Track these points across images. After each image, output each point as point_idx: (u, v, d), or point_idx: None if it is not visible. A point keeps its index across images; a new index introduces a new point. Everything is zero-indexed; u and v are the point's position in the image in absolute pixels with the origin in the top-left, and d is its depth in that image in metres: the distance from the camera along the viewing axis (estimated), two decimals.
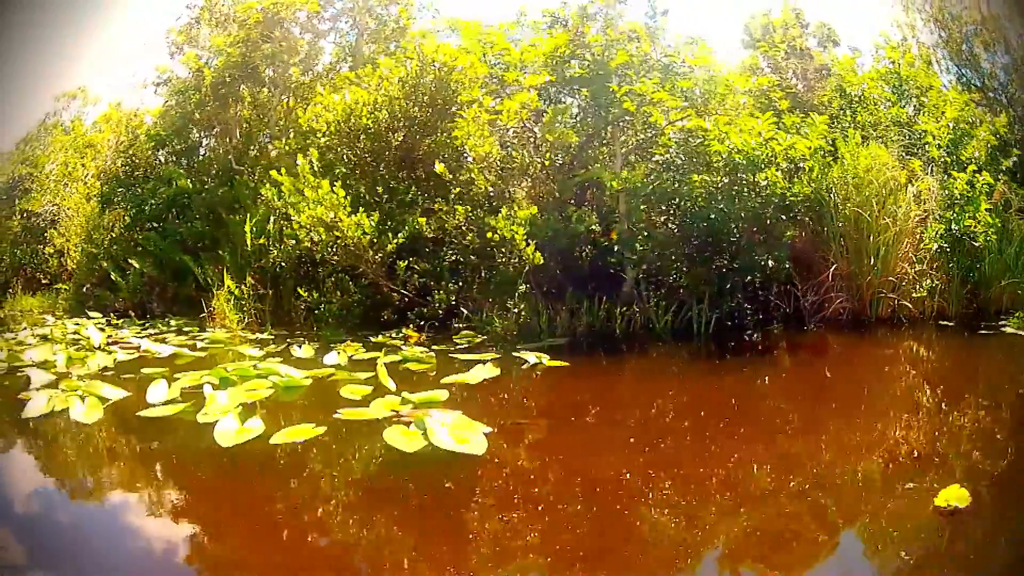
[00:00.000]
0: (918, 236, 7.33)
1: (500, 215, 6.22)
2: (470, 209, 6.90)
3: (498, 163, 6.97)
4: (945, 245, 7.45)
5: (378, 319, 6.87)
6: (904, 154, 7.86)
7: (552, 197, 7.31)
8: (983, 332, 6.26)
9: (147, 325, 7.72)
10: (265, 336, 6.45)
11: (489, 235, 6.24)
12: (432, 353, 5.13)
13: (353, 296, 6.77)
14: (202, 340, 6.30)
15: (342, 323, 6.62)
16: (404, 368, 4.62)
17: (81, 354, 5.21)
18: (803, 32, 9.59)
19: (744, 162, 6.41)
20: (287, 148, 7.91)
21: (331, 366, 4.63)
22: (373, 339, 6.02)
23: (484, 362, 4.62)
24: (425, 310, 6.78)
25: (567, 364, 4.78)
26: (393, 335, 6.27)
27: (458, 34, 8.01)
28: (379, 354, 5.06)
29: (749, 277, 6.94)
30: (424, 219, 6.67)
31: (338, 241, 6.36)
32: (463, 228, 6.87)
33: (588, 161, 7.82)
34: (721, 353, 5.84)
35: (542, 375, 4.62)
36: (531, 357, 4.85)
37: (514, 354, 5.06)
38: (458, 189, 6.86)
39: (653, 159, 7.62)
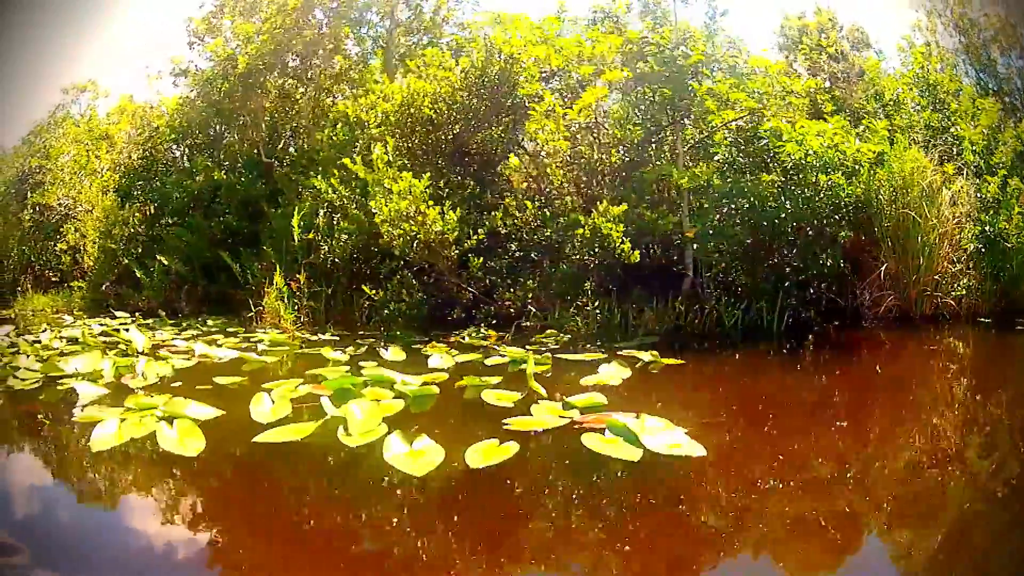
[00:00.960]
0: (955, 237, 7.18)
1: (596, 211, 5.72)
2: (539, 205, 6.29)
3: (567, 158, 6.36)
4: (980, 246, 7.35)
5: (443, 318, 6.16)
6: (940, 158, 7.60)
7: (619, 193, 6.76)
8: (1020, 328, 6.17)
9: (183, 325, 6.82)
10: (327, 336, 5.66)
11: (580, 232, 5.76)
12: (547, 354, 4.52)
13: (417, 294, 6.02)
14: (260, 342, 5.47)
15: (410, 323, 5.87)
16: (517, 370, 4.00)
17: (127, 361, 4.34)
18: (837, 35, 9.17)
19: (817, 164, 6.22)
20: (337, 139, 7.10)
21: (438, 369, 3.96)
22: (449, 339, 5.36)
23: (601, 362, 4.09)
24: (493, 308, 6.11)
25: (683, 362, 4.39)
26: (472, 334, 5.58)
27: (502, 28, 7.30)
28: (476, 355, 4.53)
29: (804, 276, 6.57)
30: (499, 214, 5.99)
31: (419, 236, 5.61)
32: (533, 224, 6.25)
33: (647, 159, 7.26)
34: (816, 349, 5.47)
35: (673, 373, 4.17)
36: (645, 356, 4.32)
37: (619, 353, 4.54)
38: (524, 184, 6.24)
39: (714, 158, 7.15)
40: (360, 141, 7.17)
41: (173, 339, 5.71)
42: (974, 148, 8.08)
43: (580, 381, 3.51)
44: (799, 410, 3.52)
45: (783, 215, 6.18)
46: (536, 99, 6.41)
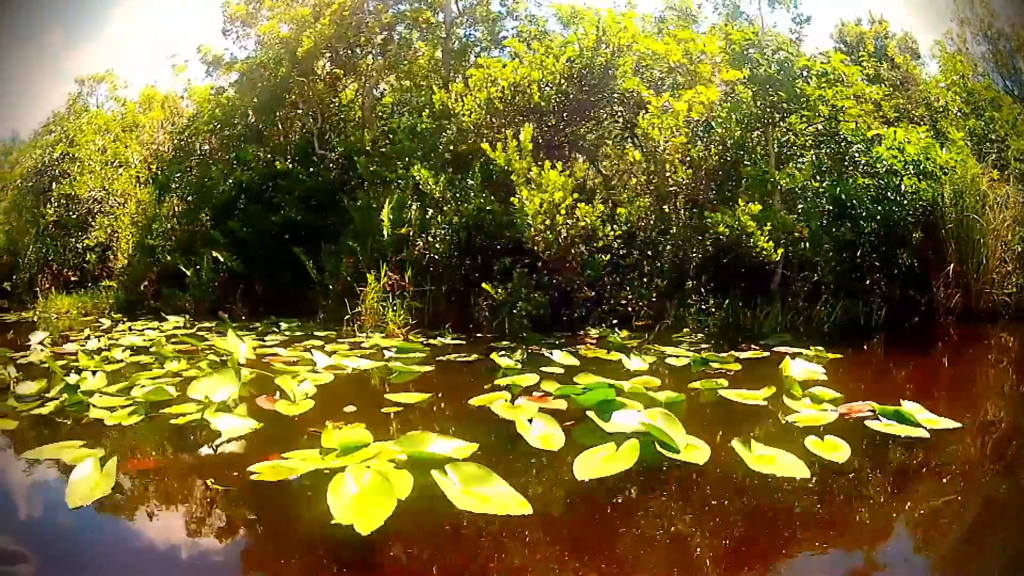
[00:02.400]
0: (1006, 239, 7.03)
1: (737, 209, 5.18)
2: (655, 201, 5.46)
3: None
4: None
5: (556, 318, 5.21)
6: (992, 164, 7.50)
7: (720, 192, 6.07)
8: None
9: (259, 330, 5.61)
10: (448, 340, 4.64)
11: (721, 229, 5.24)
12: (730, 354, 3.95)
13: (541, 293, 5.06)
14: (378, 348, 4.37)
15: (533, 323, 4.91)
16: (700, 370, 3.51)
17: (249, 377, 3.18)
18: (887, 42, 8.69)
19: (911, 171, 6.15)
20: (424, 127, 6.04)
21: (639, 372, 3.30)
22: (587, 340, 4.56)
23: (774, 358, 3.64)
24: (606, 307, 5.23)
25: (840, 356, 3.93)
26: (607, 335, 4.78)
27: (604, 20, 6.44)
28: (688, 354, 3.87)
29: (886, 274, 6.39)
30: (626, 210, 5.09)
31: (566, 231, 4.68)
32: (650, 221, 5.41)
33: (740, 158, 6.57)
34: (938, 342, 5.25)
35: (847, 365, 3.82)
36: (802, 350, 3.95)
37: (775, 349, 4.12)
38: (644, 178, 5.41)
39: (801, 160, 6.64)
40: (448, 131, 6.13)
41: (276, 348, 4.53)
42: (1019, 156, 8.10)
43: (786, 375, 2.96)
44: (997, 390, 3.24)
45: (878, 217, 6.04)
46: (635, 93, 5.67)
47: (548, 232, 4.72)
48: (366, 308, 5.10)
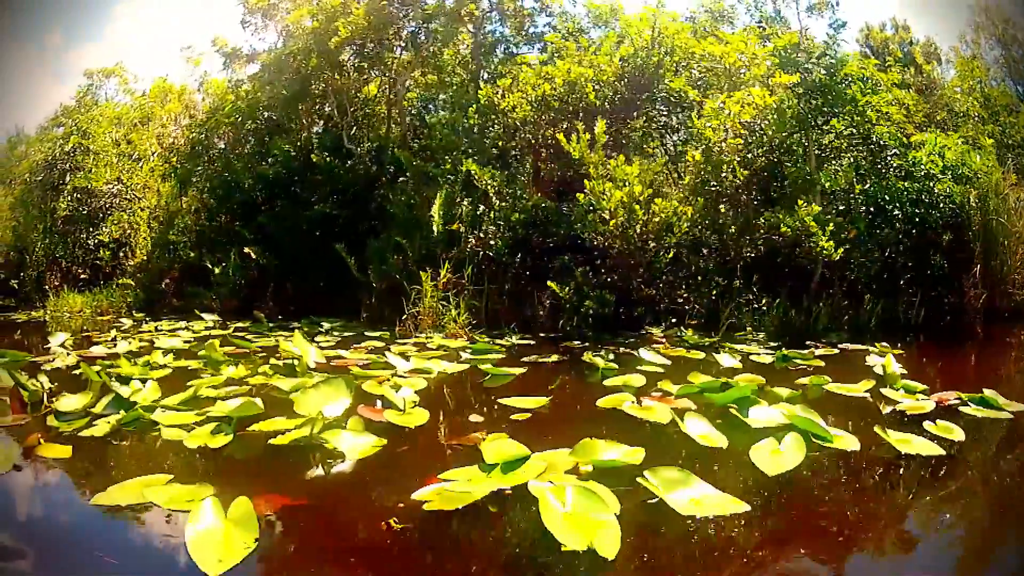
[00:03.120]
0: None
1: (800, 210, 4.92)
2: (708, 201, 5.11)
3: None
4: None
5: (615, 317, 4.77)
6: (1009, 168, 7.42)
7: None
8: None
9: (304, 329, 5.04)
10: (517, 340, 4.18)
11: (783, 229, 4.98)
12: (810, 351, 3.82)
13: (608, 292, 4.61)
14: (463, 351, 3.88)
15: (598, 322, 4.47)
16: (783, 366, 3.36)
17: (339, 387, 2.45)
18: (912, 47, 8.46)
19: (949, 175, 6.04)
20: (471, 122, 5.54)
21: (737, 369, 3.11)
22: (656, 339, 4.28)
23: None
24: (662, 306, 4.84)
25: (901, 352, 3.78)
26: (675, 334, 4.52)
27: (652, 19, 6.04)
28: (764, 351, 3.70)
29: (919, 275, 6.25)
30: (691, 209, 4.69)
31: (639, 228, 4.26)
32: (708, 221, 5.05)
33: (782, 160, 6.27)
34: (978, 340, 5.18)
35: (914, 359, 3.80)
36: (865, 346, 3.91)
37: (840, 346, 4.08)
38: (692, 179, 5.06)
39: (838, 162, 6.47)
40: (495, 127, 5.64)
41: (341, 351, 3.97)
42: None
43: (888, 371, 2.89)
44: None
45: (916, 219, 5.91)
46: (681, 94, 5.34)
47: (629, 228, 4.25)
48: (424, 307, 4.57)
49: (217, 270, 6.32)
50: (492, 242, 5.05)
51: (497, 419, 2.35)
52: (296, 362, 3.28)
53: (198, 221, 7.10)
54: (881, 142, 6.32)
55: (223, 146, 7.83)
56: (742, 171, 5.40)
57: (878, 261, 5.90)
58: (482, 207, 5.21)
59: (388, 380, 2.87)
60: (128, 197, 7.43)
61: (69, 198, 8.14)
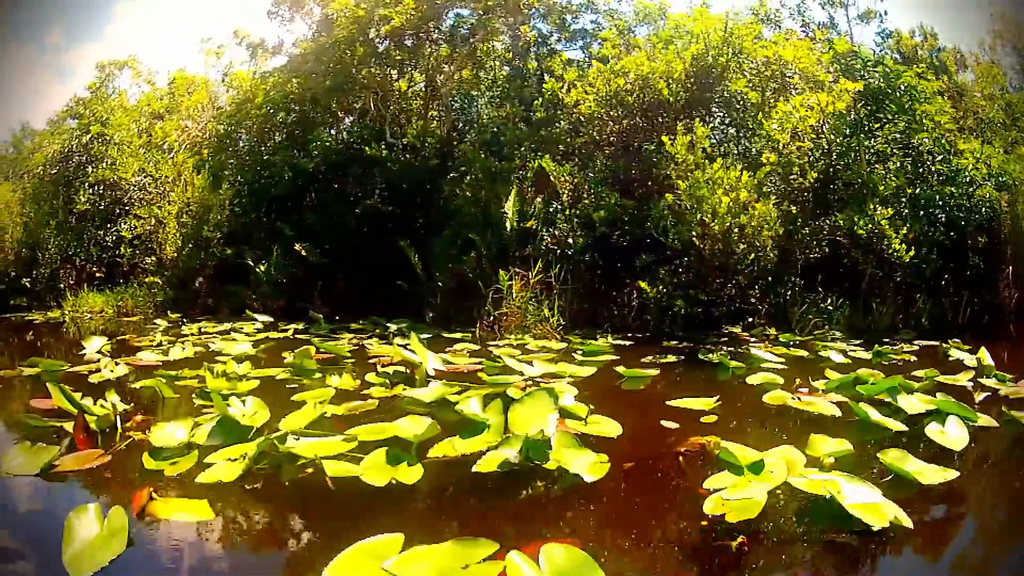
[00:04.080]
0: None
1: (876, 213, 4.80)
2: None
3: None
4: None
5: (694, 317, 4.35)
6: None
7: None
8: None
9: (365, 331, 4.42)
10: (614, 341, 3.81)
11: (858, 231, 4.84)
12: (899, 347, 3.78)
13: (698, 292, 4.12)
14: (575, 352, 3.47)
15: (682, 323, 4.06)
16: (878, 362, 3.27)
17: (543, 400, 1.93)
18: (941, 54, 8.24)
19: (992, 181, 5.93)
20: (536, 116, 4.98)
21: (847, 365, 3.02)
22: (744, 338, 4.08)
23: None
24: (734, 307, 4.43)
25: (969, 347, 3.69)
26: (761, 334, 4.32)
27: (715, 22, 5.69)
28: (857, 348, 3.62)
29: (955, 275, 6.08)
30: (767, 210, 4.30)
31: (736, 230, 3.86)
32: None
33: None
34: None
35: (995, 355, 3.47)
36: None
37: (916, 342, 4.06)
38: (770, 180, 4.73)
39: (886, 167, 6.23)
40: (560, 122, 5.09)
41: (450, 358, 3.41)
42: None
43: (985, 363, 2.95)
44: None
45: (962, 223, 5.83)
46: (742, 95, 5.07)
47: (730, 232, 3.85)
48: (511, 308, 3.99)
49: (261, 268, 5.61)
50: (570, 240, 4.50)
51: (686, 421, 2.14)
52: (408, 369, 2.69)
53: (232, 216, 6.35)
54: (923, 148, 6.18)
55: (246, 138, 7.08)
56: (812, 173, 5.08)
57: (933, 262, 5.68)
58: (555, 204, 4.65)
59: (534, 385, 2.34)
60: (156, 190, 6.60)
61: (91, 191, 7.24)
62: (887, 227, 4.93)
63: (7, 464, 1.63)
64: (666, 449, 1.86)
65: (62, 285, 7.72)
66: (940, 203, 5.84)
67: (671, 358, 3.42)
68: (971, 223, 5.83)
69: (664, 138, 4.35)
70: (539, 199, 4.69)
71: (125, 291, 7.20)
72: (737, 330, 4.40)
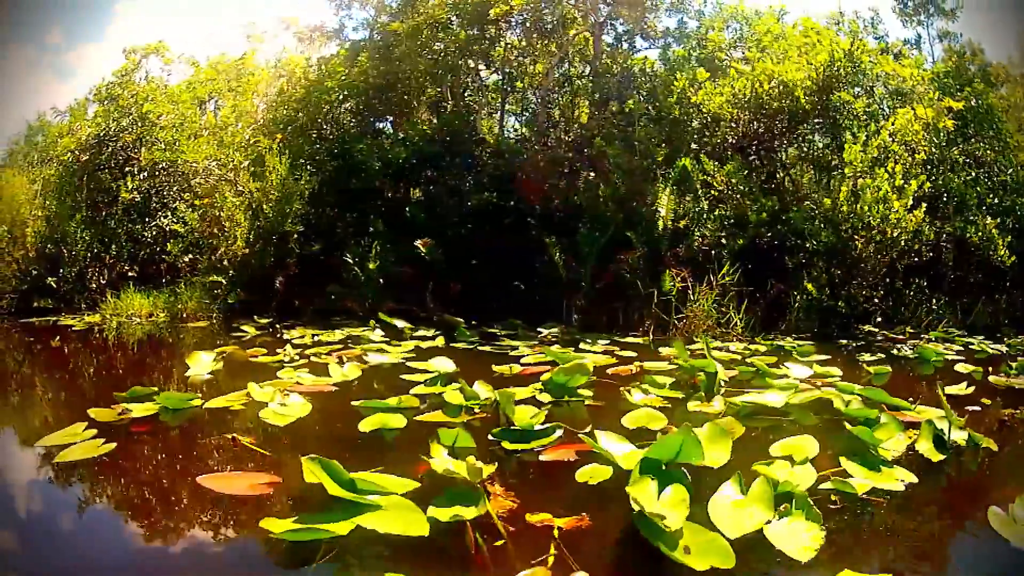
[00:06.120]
0: None
1: (988, 221, 5.21)
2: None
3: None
4: None
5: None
6: None
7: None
8: None
9: (530, 338, 4.20)
10: (783, 344, 3.80)
11: (972, 238, 5.22)
12: None
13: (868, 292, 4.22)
14: (792, 353, 3.36)
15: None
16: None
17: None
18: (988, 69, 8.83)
19: None
20: (673, 114, 4.97)
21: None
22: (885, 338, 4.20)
23: None
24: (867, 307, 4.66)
25: None
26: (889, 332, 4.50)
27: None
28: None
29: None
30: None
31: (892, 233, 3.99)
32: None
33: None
34: None
35: None
36: None
37: None
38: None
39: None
40: (694, 121, 5.11)
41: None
42: None
43: None
44: None
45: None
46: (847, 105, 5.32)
47: (886, 235, 4.05)
48: (699, 310, 3.93)
49: (372, 265, 5.25)
50: (723, 240, 4.49)
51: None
52: (690, 377, 2.56)
53: (313, 209, 5.95)
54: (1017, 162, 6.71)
55: (323, 126, 6.70)
56: (928, 183, 5.37)
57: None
58: (703, 203, 4.64)
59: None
60: (222, 177, 6.06)
61: (140, 176, 6.56)
62: (996, 234, 5.34)
63: None
64: None
65: (93, 285, 7.01)
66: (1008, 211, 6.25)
67: (866, 355, 3.55)
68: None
69: (846, 141, 4.44)
70: (688, 197, 4.68)
71: (172, 292, 6.60)
72: (871, 328, 4.56)
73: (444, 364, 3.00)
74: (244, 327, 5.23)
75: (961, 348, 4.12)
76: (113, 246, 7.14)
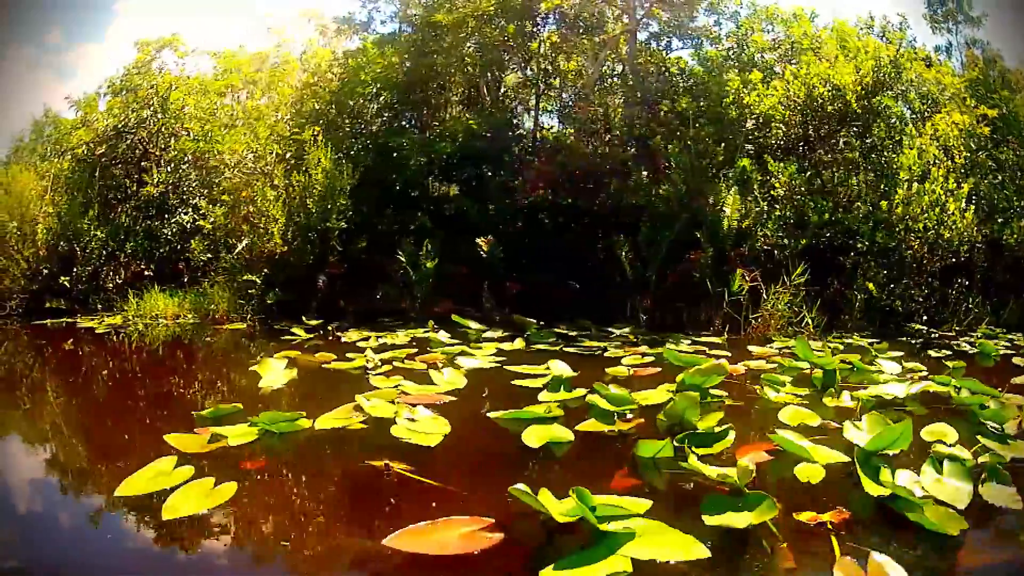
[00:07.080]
0: None
1: (1014, 222, 5.40)
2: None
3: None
4: None
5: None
6: None
7: None
8: None
9: (605, 339, 4.22)
10: (865, 341, 3.88)
11: (1009, 240, 5.36)
12: None
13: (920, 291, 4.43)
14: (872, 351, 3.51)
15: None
16: None
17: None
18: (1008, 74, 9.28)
19: None
20: (729, 115, 5.07)
21: None
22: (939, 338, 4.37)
23: None
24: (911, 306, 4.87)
25: None
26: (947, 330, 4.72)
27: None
28: None
29: None
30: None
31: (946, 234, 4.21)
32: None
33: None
34: None
35: None
36: None
37: None
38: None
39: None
40: (748, 122, 5.24)
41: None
42: None
43: None
44: None
45: None
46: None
47: (940, 236, 4.26)
48: (775, 310, 4.02)
49: (429, 264, 5.15)
50: (785, 240, 4.62)
51: None
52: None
53: (354, 205, 5.82)
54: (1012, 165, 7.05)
55: (358, 119, 6.57)
56: (970, 183, 5.61)
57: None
58: (764, 204, 4.77)
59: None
60: (256, 170, 5.84)
61: (167, 169, 6.25)
62: None
63: None
64: None
65: (109, 285, 6.68)
66: None
67: (932, 352, 3.82)
68: None
69: (905, 147, 4.64)
70: (750, 198, 4.79)
71: (198, 292, 6.35)
72: (919, 326, 4.77)
73: (563, 368, 2.96)
74: (294, 329, 5.06)
75: (1007, 344, 4.37)
76: (128, 244, 6.84)
